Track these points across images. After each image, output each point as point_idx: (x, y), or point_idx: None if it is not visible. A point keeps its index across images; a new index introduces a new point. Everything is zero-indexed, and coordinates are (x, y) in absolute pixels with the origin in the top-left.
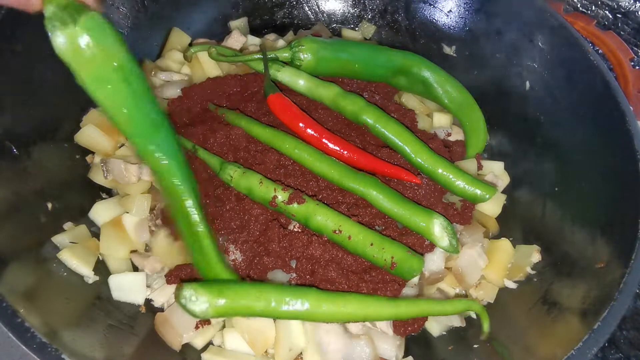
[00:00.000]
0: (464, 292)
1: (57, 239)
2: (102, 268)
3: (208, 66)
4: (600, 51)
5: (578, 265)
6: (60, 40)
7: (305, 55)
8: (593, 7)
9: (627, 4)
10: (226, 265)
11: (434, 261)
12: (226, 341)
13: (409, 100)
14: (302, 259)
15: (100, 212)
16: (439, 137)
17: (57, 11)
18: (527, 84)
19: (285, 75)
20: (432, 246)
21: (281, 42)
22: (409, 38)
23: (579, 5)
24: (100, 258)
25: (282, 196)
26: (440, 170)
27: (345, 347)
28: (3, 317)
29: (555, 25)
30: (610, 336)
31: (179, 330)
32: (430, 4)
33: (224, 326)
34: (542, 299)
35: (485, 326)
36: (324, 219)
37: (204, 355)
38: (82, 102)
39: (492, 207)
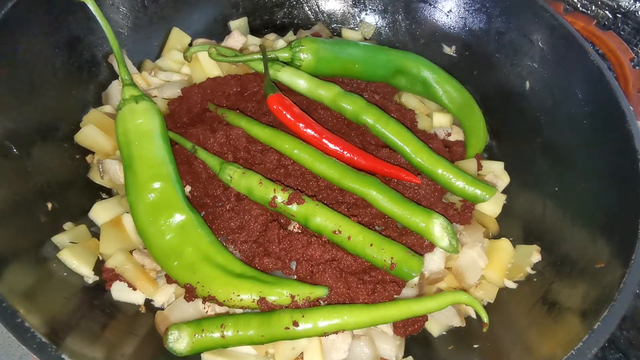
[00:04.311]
0: None
1: (57, 239)
2: (102, 268)
3: (208, 66)
4: (600, 51)
5: (578, 265)
6: (124, 109)
7: (305, 55)
8: (593, 7)
9: (627, 4)
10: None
11: (434, 261)
12: None
13: (409, 100)
14: (302, 261)
15: (100, 212)
16: (439, 137)
17: (129, 97)
18: (527, 84)
19: (285, 75)
20: (432, 246)
21: (281, 42)
22: (409, 38)
23: (579, 5)
24: (100, 258)
25: (281, 197)
26: (440, 171)
27: (345, 347)
28: (3, 317)
29: (555, 25)
30: (610, 336)
31: None
32: (430, 4)
33: None
34: (542, 299)
35: (484, 317)
36: (324, 219)
37: (204, 355)
38: (82, 102)
39: (492, 207)
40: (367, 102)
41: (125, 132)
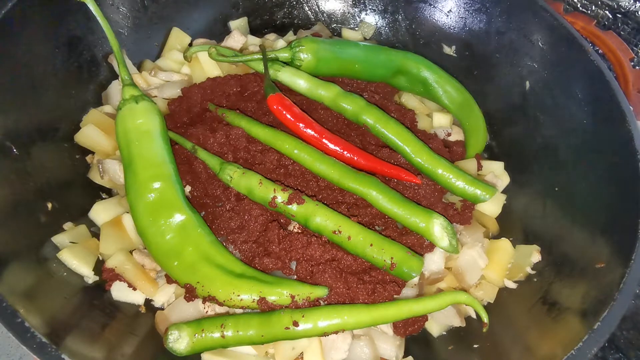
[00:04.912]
0: None
1: (57, 239)
2: (102, 268)
3: (208, 66)
4: (600, 51)
5: (578, 265)
6: (124, 109)
7: (305, 55)
8: (593, 7)
9: (627, 4)
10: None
11: (434, 261)
12: None
13: (409, 100)
14: (302, 261)
15: (100, 212)
16: (439, 137)
17: (129, 97)
18: (527, 84)
19: (285, 76)
20: (432, 246)
21: (281, 42)
22: (409, 38)
23: (579, 5)
24: (100, 258)
25: (281, 197)
26: (440, 171)
27: (345, 347)
28: (3, 317)
29: (555, 25)
30: (610, 336)
31: None
32: (430, 4)
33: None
34: (542, 299)
35: (484, 317)
36: (324, 219)
37: (204, 355)
38: (82, 102)
39: (492, 207)
40: (367, 102)
41: (125, 132)
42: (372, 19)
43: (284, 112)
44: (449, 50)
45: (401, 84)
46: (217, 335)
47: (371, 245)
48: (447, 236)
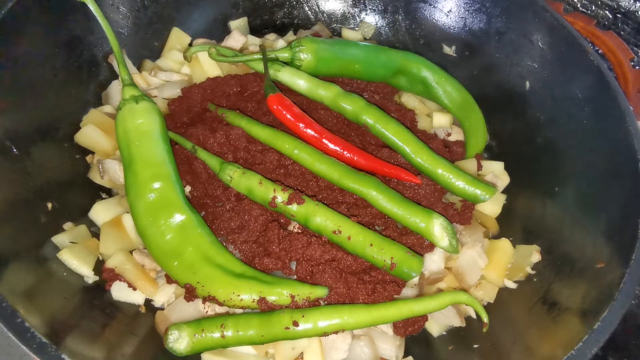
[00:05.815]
0: None
1: (57, 239)
2: (102, 268)
3: (208, 66)
4: (600, 51)
5: (578, 265)
6: (124, 109)
7: (305, 56)
8: (593, 7)
9: (627, 4)
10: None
11: (434, 261)
12: None
13: (409, 100)
14: (302, 261)
15: (100, 212)
16: (439, 137)
17: (129, 97)
18: (527, 84)
19: (285, 76)
20: (432, 246)
21: (281, 42)
22: (409, 38)
23: (579, 5)
24: (100, 258)
25: (281, 197)
26: (440, 171)
27: (345, 347)
28: (3, 317)
29: (555, 25)
30: (610, 336)
31: None
32: (430, 4)
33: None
34: (542, 299)
35: (484, 317)
36: (324, 219)
37: (204, 356)
38: (82, 102)
39: (492, 207)
40: (367, 102)
41: (125, 132)
42: (372, 19)
43: (284, 112)
44: (449, 50)
45: (401, 84)
46: (217, 335)
47: (371, 245)
48: (447, 236)
